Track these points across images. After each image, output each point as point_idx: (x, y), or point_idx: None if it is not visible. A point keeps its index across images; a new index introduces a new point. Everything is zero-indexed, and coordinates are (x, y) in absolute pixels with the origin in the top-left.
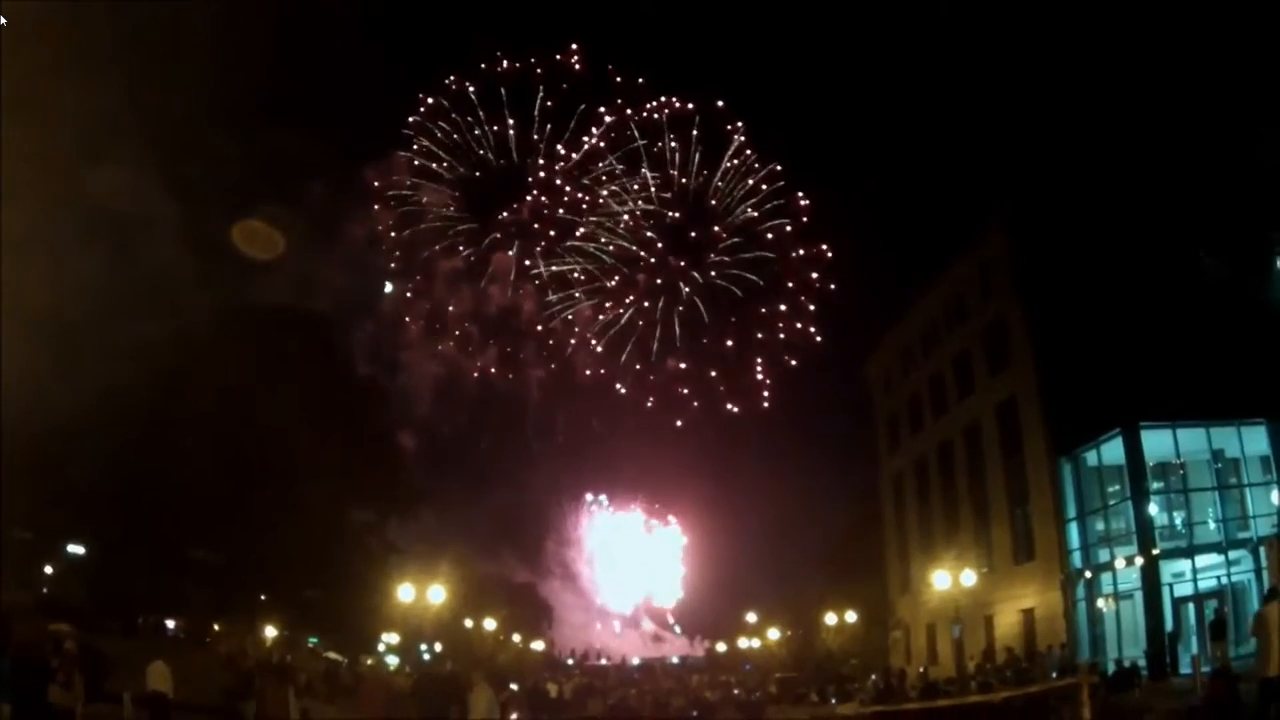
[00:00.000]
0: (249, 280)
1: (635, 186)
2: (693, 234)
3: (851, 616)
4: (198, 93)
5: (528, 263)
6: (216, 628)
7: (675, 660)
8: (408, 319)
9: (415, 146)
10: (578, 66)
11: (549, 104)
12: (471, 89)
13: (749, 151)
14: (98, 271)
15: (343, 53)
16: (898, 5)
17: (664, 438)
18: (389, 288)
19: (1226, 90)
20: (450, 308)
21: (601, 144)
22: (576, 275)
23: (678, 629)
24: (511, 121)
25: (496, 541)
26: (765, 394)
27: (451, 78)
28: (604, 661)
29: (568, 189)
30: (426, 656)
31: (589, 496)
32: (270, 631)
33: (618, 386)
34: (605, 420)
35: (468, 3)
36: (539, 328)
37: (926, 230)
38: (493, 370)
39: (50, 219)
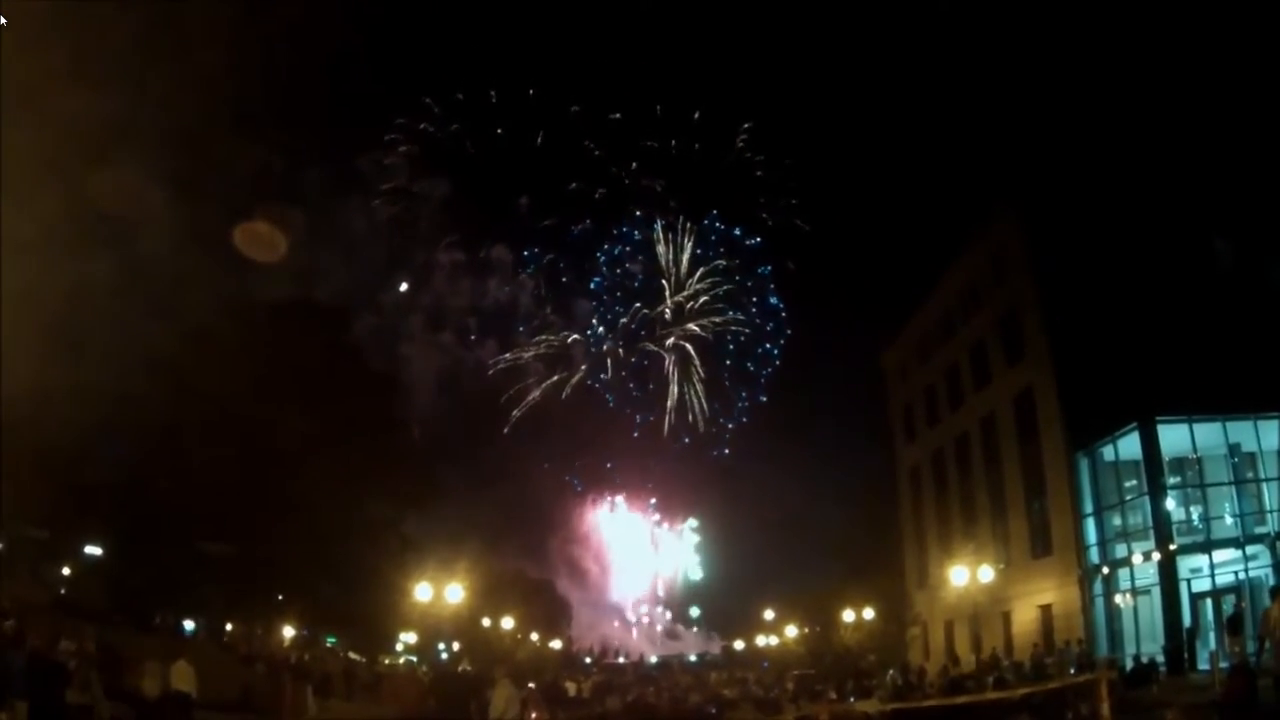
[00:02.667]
0: (261, 277)
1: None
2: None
3: (869, 613)
4: (205, 91)
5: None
6: (231, 626)
7: (693, 658)
8: (416, 313)
9: (405, 149)
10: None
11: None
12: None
13: (749, 154)
14: (110, 271)
15: (348, 51)
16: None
17: (675, 434)
18: (404, 286)
19: (1241, 75)
20: (454, 301)
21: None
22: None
23: (695, 627)
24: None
25: (508, 538)
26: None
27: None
28: (622, 660)
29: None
30: (444, 656)
31: (601, 493)
32: (288, 630)
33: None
34: (613, 416)
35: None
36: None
37: (941, 218)
38: (495, 366)
39: (61, 220)
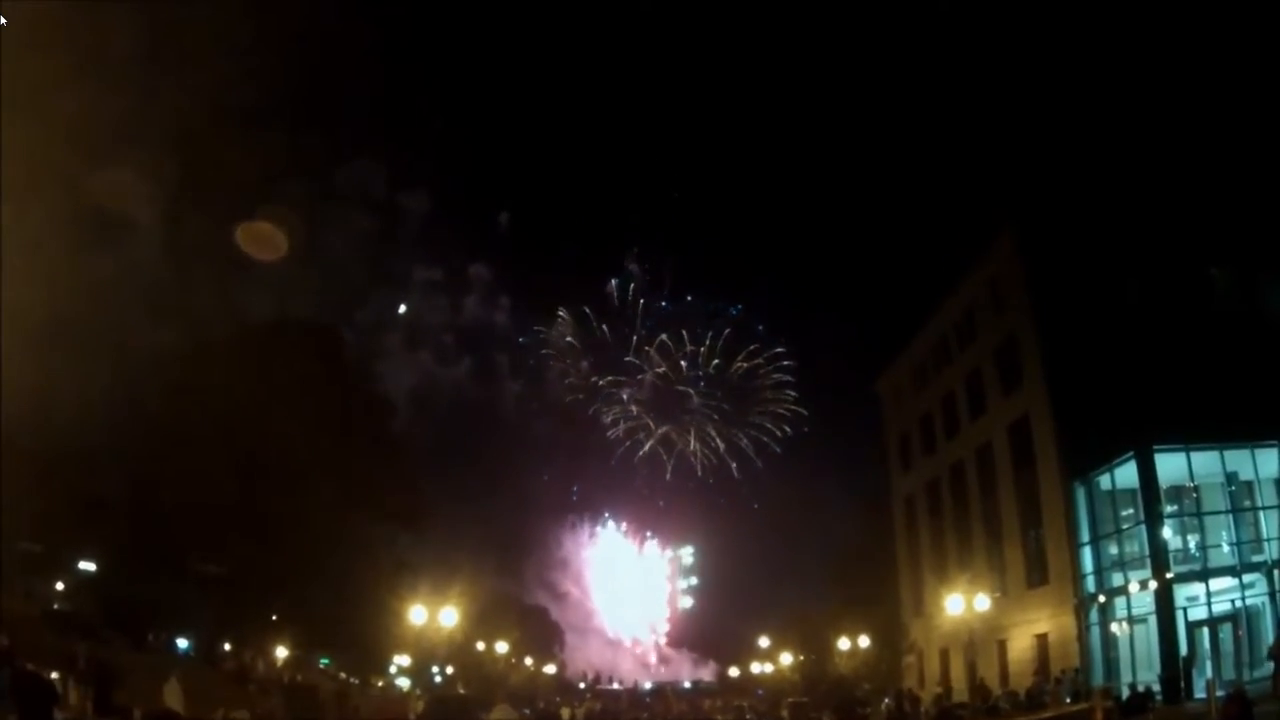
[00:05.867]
0: (260, 293)
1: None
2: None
3: (864, 641)
4: (213, 102)
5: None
6: (227, 646)
7: (688, 684)
8: (410, 334)
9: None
10: None
11: None
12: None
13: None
14: (109, 284)
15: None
16: (908, 19)
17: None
18: (403, 308)
19: (1236, 105)
20: (441, 321)
21: None
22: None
23: (689, 653)
24: None
25: (501, 563)
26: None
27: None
28: (616, 685)
29: None
30: (438, 679)
31: (594, 518)
32: (282, 651)
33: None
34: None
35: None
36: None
37: (938, 246)
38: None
39: (60, 228)
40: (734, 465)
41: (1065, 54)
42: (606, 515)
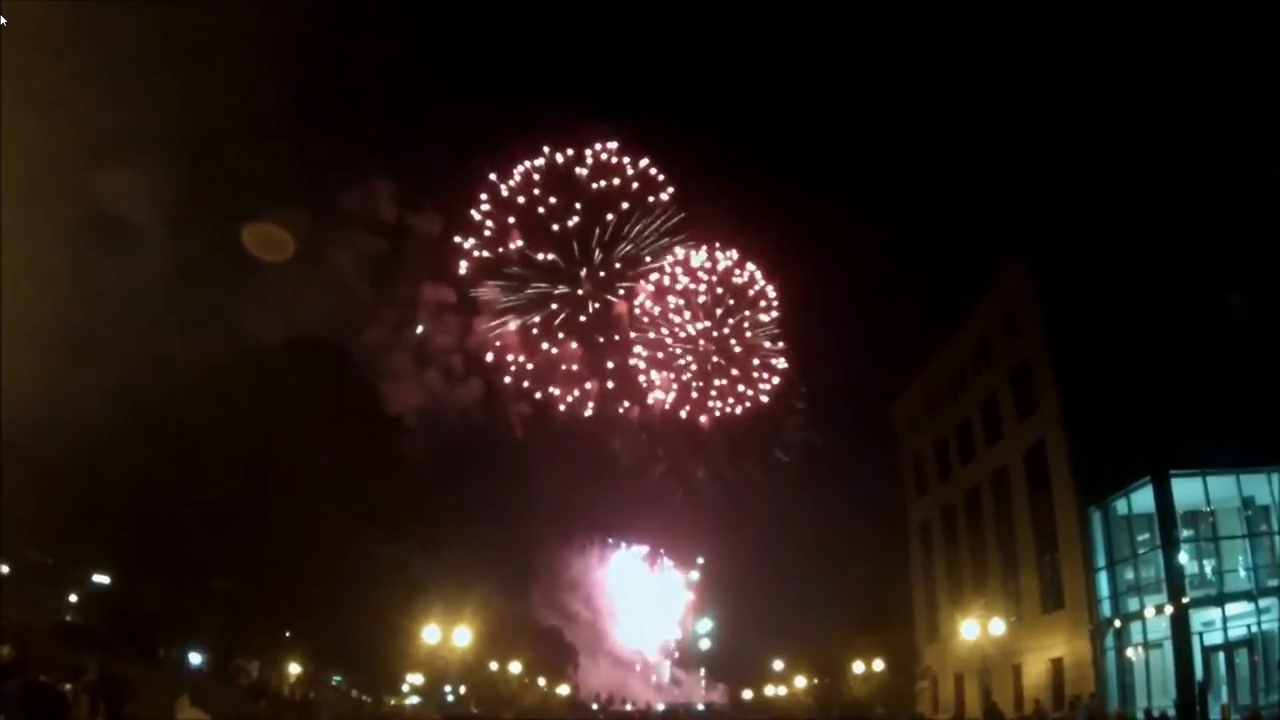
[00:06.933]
0: (271, 306)
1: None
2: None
3: (879, 665)
4: (223, 109)
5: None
6: (237, 661)
7: (700, 707)
8: (422, 355)
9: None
10: None
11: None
12: None
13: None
14: (123, 299)
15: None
16: (918, 38)
17: (683, 483)
18: (420, 329)
19: (1250, 129)
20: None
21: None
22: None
23: (702, 675)
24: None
25: (514, 583)
26: None
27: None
28: (629, 707)
29: None
30: (451, 698)
31: (608, 537)
32: (294, 667)
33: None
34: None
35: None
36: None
37: (953, 271)
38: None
39: (74, 239)
40: (746, 490)
41: (1076, 74)
42: (617, 537)
